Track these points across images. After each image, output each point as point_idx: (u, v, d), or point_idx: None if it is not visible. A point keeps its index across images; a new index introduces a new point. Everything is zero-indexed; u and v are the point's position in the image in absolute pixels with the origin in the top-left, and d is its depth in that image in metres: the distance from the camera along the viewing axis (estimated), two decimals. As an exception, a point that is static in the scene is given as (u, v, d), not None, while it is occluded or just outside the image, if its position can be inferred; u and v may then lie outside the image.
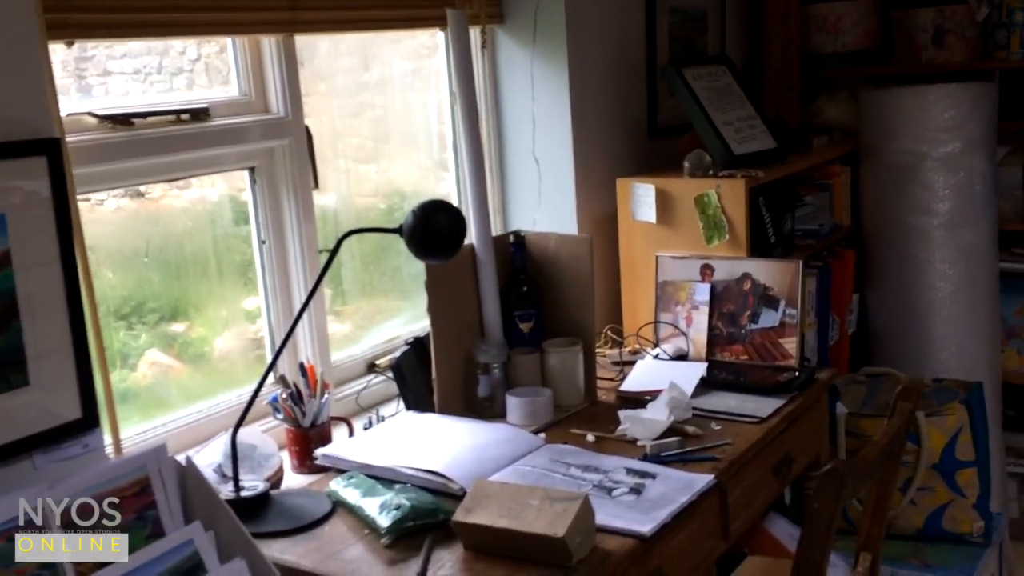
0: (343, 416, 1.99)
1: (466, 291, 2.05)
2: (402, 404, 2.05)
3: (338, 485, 1.62)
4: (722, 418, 1.91)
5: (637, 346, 2.41)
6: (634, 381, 2.14)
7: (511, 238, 2.11)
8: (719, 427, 1.87)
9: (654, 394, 1.96)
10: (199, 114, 1.88)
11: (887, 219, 2.85)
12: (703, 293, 2.32)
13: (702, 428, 1.86)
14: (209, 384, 2.01)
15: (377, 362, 2.37)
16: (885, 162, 2.83)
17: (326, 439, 1.89)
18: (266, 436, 1.89)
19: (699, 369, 2.12)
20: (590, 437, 1.86)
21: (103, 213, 1.87)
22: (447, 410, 1.98)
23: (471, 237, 2.03)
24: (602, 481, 1.62)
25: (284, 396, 1.88)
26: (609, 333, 2.47)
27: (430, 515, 1.48)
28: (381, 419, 2.07)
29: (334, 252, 1.60)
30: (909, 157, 2.77)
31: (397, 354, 2.07)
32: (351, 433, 1.98)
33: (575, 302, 2.09)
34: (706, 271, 2.33)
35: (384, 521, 1.47)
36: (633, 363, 2.28)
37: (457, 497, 1.55)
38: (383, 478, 1.65)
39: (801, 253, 2.60)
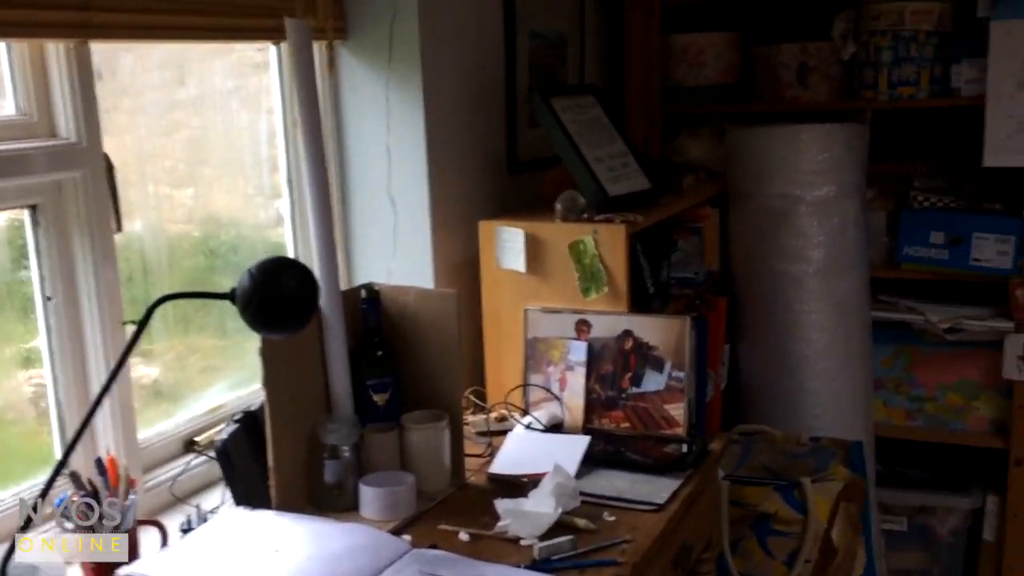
0: (152, 519, 1.62)
1: (309, 357, 1.74)
2: (229, 493, 1.71)
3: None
4: (615, 506, 1.69)
5: (504, 411, 2.16)
6: (506, 459, 1.89)
7: (363, 293, 1.82)
8: (613, 517, 1.65)
9: (532, 478, 1.72)
10: (-44, 137, 1.49)
11: (759, 266, 2.74)
12: (579, 352, 2.10)
13: (594, 519, 1.62)
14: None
15: (197, 439, 2.02)
16: (756, 205, 2.73)
17: (133, 552, 1.52)
18: (49, 551, 1.50)
19: (581, 444, 1.90)
20: (464, 536, 1.59)
21: None
22: (287, 505, 1.66)
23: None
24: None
25: (75, 499, 1.50)
26: (471, 398, 2.21)
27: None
28: (203, 518, 1.72)
29: (143, 324, 1.27)
30: (782, 201, 2.67)
31: (223, 435, 1.73)
32: (164, 541, 1.62)
33: (438, 368, 1.83)
34: (582, 327, 2.11)
35: None
36: (502, 433, 2.03)
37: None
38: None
39: (676, 304, 2.44)
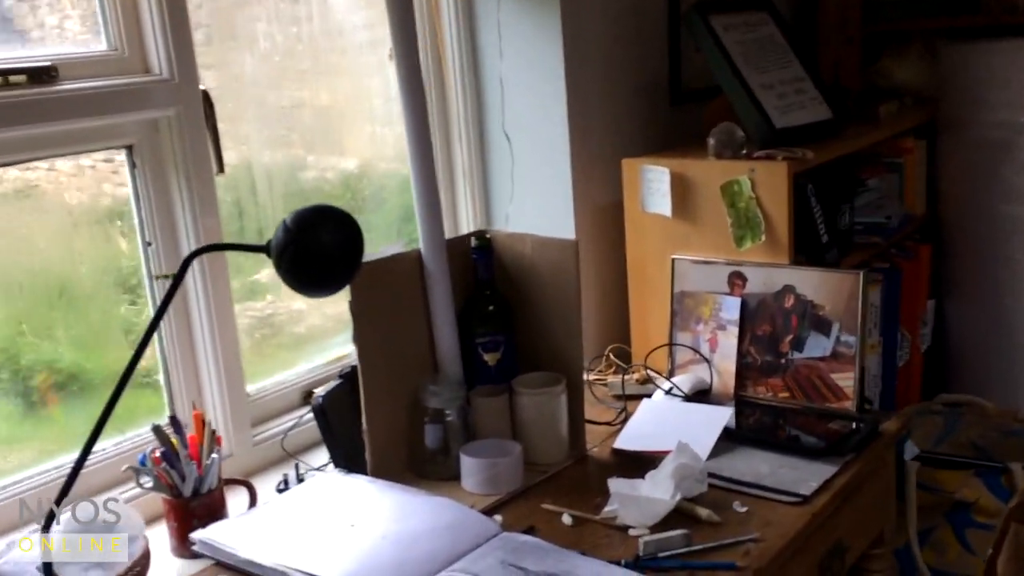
0: (242, 478, 1.55)
1: (410, 312, 1.61)
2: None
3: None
4: (751, 494, 1.45)
5: (648, 372, 1.95)
6: (635, 430, 1.69)
7: (473, 242, 1.66)
8: (744, 508, 1.41)
9: (658, 455, 1.51)
10: (40, 75, 1.44)
11: (974, 208, 2.36)
12: (731, 309, 1.85)
13: (720, 509, 1.40)
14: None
15: (316, 391, 1.94)
16: (973, 136, 2.34)
17: (216, 512, 1.46)
18: (130, 508, 1.46)
19: (722, 416, 1.66)
20: (567, 519, 1.41)
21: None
22: (383, 470, 1.55)
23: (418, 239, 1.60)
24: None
25: (155, 455, 1.44)
26: (612, 356, 2.01)
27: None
28: (300, 478, 1.64)
29: (178, 278, 1.16)
30: (1005, 131, 2.26)
31: (322, 391, 1.63)
32: (252, 502, 1.55)
33: (558, 325, 1.64)
34: (736, 281, 1.86)
35: None
36: (641, 398, 1.83)
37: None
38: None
39: (862, 254, 2.12)
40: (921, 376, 2.43)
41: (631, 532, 1.36)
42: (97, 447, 1.57)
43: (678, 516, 1.39)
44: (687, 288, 1.92)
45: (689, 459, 1.45)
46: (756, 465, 1.55)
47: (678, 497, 1.40)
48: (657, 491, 1.41)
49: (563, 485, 1.54)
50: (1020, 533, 1.14)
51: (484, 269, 1.66)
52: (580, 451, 1.64)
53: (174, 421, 1.46)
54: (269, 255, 1.14)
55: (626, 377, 1.91)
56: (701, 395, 1.84)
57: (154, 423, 1.46)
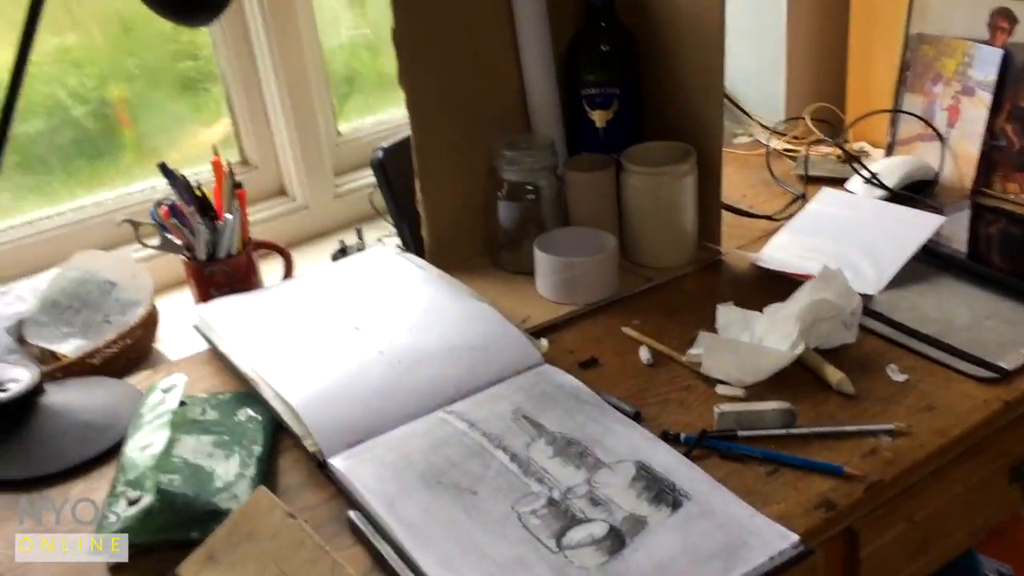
0: (276, 243, 1.31)
1: (487, 44, 1.22)
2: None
3: (153, 399, 0.98)
4: (921, 353, 1.01)
5: (861, 145, 1.47)
6: (791, 239, 1.25)
7: (584, -50, 1.21)
8: (903, 377, 0.98)
9: (802, 280, 1.09)
10: None
11: None
12: (987, 65, 1.30)
13: (866, 373, 0.98)
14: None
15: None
16: None
17: (239, 281, 1.24)
18: (140, 267, 1.28)
19: (926, 227, 1.19)
20: (644, 354, 1.05)
21: None
22: (444, 253, 1.25)
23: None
24: (547, 508, 0.84)
25: (162, 209, 1.22)
26: (810, 120, 1.52)
27: (173, 528, 0.81)
28: (359, 247, 1.39)
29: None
30: None
31: (385, 144, 1.33)
32: (286, 272, 1.31)
33: (694, 78, 1.20)
34: (1001, 23, 1.29)
35: (106, 520, 0.82)
36: (833, 183, 1.37)
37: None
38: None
39: None
40: None
41: (718, 389, 0.99)
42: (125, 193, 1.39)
43: (797, 375, 0.99)
44: (927, 29, 1.37)
45: (834, 293, 1.02)
46: (953, 308, 1.08)
47: (800, 348, 0.99)
48: (772, 334, 1.01)
49: (666, 303, 1.16)
50: None
51: (600, -8, 1.22)
52: (709, 255, 1.24)
53: (164, 169, 1.21)
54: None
55: (822, 151, 1.43)
56: (919, 188, 1.34)
57: (161, 162, 1.22)
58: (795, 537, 0.78)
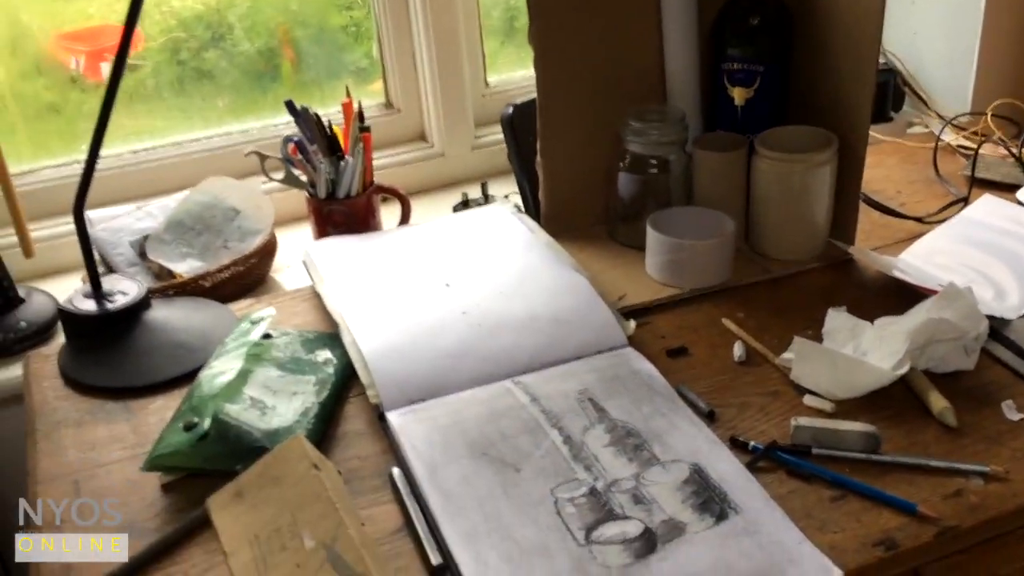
0: (394, 188, 1.33)
1: (631, 11, 1.18)
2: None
3: (243, 328, 1.02)
4: (1044, 394, 0.91)
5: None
6: (937, 246, 1.16)
7: (740, -89, 1.14)
8: (1019, 417, 0.89)
9: (926, 295, 1.00)
10: None
11: None
12: None
13: (976, 407, 0.90)
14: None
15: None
16: None
17: (356, 222, 1.27)
18: (265, 198, 1.33)
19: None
20: (738, 352, 1.00)
21: None
22: (560, 220, 1.23)
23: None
24: (587, 498, 0.82)
25: (290, 145, 1.26)
26: (989, 115, 1.39)
27: (222, 458, 0.84)
28: (482, 201, 1.39)
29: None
30: None
31: (517, 101, 1.32)
32: (403, 218, 1.33)
33: (847, 61, 1.12)
34: None
35: (160, 441, 0.87)
36: (999, 188, 1.26)
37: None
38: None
39: None
40: None
41: (806, 400, 0.92)
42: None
43: (899, 397, 0.91)
44: None
45: (957, 314, 0.93)
46: (1099, 347, 0.97)
47: (904, 369, 0.91)
48: (878, 350, 0.93)
49: (779, 299, 1.10)
50: None
51: (755, -42, 1.15)
52: (838, 253, 1.16)
53: (290, 106, 1.23)
54: None
55: (1001, 153, 1.31)
56: (1099, 206, 1.20)
57: (289, 99, 1.25)
58: (839, 572, 0.72)
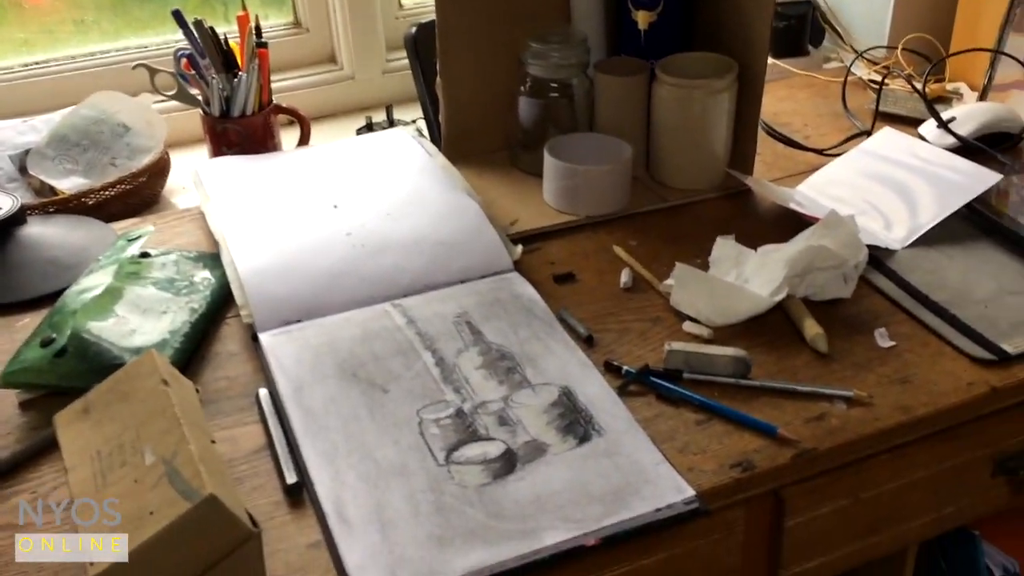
0: (292, 108, 1.29)
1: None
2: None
3: (119, 246, 0.99)
4: (920, 321, 0.92)
5: (957, 86, 1.34)
6: (831, 177, 1.16)
7: None
8: (890, 343, 0.90)
9: (812, 223, 1.01)
10: None
11: None
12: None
13: (848, 335, 0.91)
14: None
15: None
16: None
17: (252, 143, 1.24)
18: (157, 115, 1.29)
19: (980, 183, 1.07)
20: (624, 279, 1.00)
21: None
22: (460, 145, 1.21)
23: None
24: (452, 420, 0.82)
25: (185, 57, 1.23)
26: (899, 51, 1.39)
27: (80, 375, 0.83)
28: (385, 125, 1.36)
29: None
30: None
31: (421, 20, 1.29)
32: (301, 139, 1.30)
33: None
34: (1124, -36, 1.13)
35: (16, 357, 0.85)
36: (905, 123, 1.26)
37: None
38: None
39: None
40: None
41: (685, 326, 0.93)
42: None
43: (776, 324, 0.92)
44: (1042, -37, 1.21)
45: (837, 242, 0.94)
46: (978, 278, 0.98)
47: (781, 295, 0.91)
48: (758, 276, 0.93)
49: (674, 228, 1.10)
50: None
51: None
52: (735, 184, 1.15)
53: (177, 16, 1.19)
54: None
55: (909, 88, 1.31)
56: (1000, 140, 1.21)
57: (176, 9, 1.20)
58: (690, 492, 0.73)
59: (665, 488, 0.74)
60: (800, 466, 0.78)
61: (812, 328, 0.90)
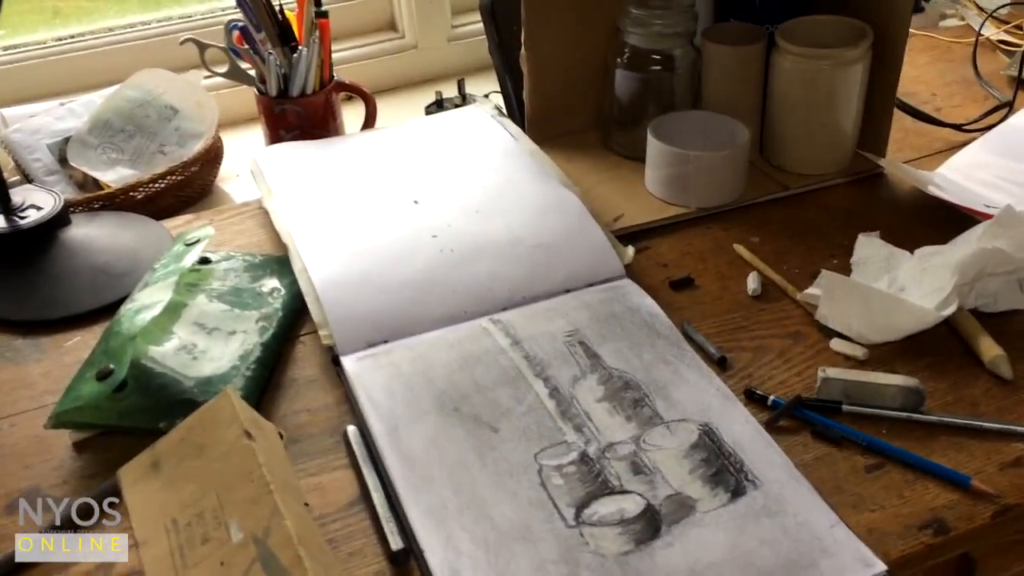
0: (360, 86, 1.17)
1: None
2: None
3: (176, 251, 0.88)
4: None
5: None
6: (979, 159, 1.02)
7: None
8: (1086, 366, 0.76)
9: (976, 218, 0.87)
10: None
11: None
12: None
13: (1036, 352, 0.77)
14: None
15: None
16: None
17: (312, 124, 1.12)
18: (208, 95, 1.17)
19: None
20: (752, 284, 0.87)
21: None
22: (541, 126, 1.08)
23: None
24: (577, 466, 0.70)
25: (236, 32, 1.10)
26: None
27: (142, 412, 0.71)
28: (458, 103, 1.24)
29: None
30: None
31: (498, -15, 1.15)
32: (367, 121, 1.18)
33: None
34: None
35: (68, 393, 0.74)
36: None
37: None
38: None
39: None
40: None
41: (833, 344, 0.80)
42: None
43: (943, 342, 0.79)
44: None
45: (1013, 243, 0.80)
46: None
47: (951, 309, 0.78)
48: (919, 285, 0.80)
49: (800, 220, 0.97)
50: None
51: None
52: (868, 167, 1.02)
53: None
54: None
55: (1037, 52, 1.16)
56: None
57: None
58: (881, 567, 0.61)
59: (848, 560, 0.62)
60: (1000, 528, 0.65)
61: (991, 349, 0.77)
